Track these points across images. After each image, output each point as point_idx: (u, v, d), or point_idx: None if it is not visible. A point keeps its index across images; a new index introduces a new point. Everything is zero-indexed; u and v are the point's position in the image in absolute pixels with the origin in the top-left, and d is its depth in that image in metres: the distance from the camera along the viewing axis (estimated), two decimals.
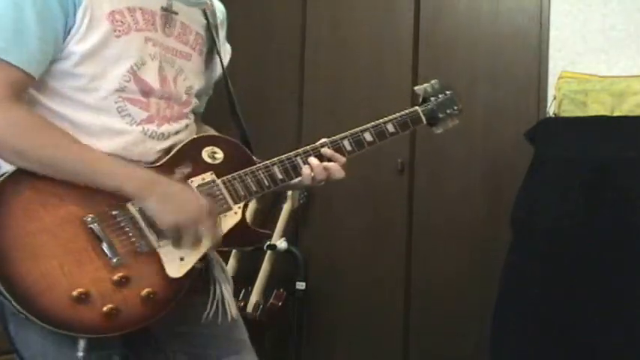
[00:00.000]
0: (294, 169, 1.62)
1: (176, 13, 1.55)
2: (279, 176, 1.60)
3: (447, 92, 1.86)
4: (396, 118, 1.75)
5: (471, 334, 3.05)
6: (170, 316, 1.46)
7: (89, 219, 1.38)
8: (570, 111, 2.65)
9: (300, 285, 3.28)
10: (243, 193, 1.56)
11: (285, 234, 3.29)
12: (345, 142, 1.67)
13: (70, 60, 1.42)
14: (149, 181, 1.44)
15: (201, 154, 1.55)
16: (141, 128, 1.49)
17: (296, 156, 1.62)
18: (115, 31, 1.44)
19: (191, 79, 1.59)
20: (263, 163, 1.60)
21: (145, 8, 1.49)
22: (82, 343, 1.38)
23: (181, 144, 1.55)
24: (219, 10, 1.70)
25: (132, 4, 1.47)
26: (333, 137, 1.68)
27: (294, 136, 3.42)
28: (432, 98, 1.83)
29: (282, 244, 3.26)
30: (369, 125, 1.71)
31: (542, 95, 2.94)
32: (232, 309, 1.61)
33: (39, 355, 1.42)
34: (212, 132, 1.70)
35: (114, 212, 1.41)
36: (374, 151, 3.14)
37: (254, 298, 3.23)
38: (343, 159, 1.67)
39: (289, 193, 3.27)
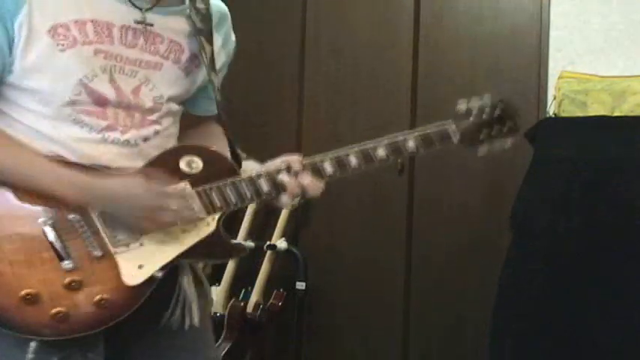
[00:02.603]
0: (282, 184, 1.51)
1: (151, 25, 1.50)
2: (265, 189, 1.51)
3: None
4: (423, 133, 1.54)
5: (470, 334, 3.05)
6: (138, 317, 1.43)
7: (42, 221, 1.38)
8: (570, 111, 2.65)
9: (300, 285, 3.27)
10: (219, 205, 1.48)
11: (285, 234, 3.29)
12: (353, 159, 1.52)
13: (15, 74, 1.41)
14: (83, 186, 1.41)
15: (178, 162, 1.50)
16: (101, 136, 1.46)
17: (278, 173, 1.51)
18: (57, 45, 1.41)
19: (160, 88, 1.54)
20: (247, 175, 1.51)
21: (99, 20, 1.45)
22: (32, 345, 1.38)
23: (161, 152, 1.51)
24: (216, 11, 1.63)
25: (81, 17, 1.43)
26: (338, 154, 1.52)
27: (294, 136, 3.42)
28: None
29: (282, 244, 3.26)
30: (383, 140, 1.53)
31: (542, 95, 2.94)
32: (194, 316, 1.55)
33: None
34: (209, 139, 1.64)
35: (70, 216, 1.40)
36: None
37: (254, 298, 3.23)
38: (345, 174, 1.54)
39: None
